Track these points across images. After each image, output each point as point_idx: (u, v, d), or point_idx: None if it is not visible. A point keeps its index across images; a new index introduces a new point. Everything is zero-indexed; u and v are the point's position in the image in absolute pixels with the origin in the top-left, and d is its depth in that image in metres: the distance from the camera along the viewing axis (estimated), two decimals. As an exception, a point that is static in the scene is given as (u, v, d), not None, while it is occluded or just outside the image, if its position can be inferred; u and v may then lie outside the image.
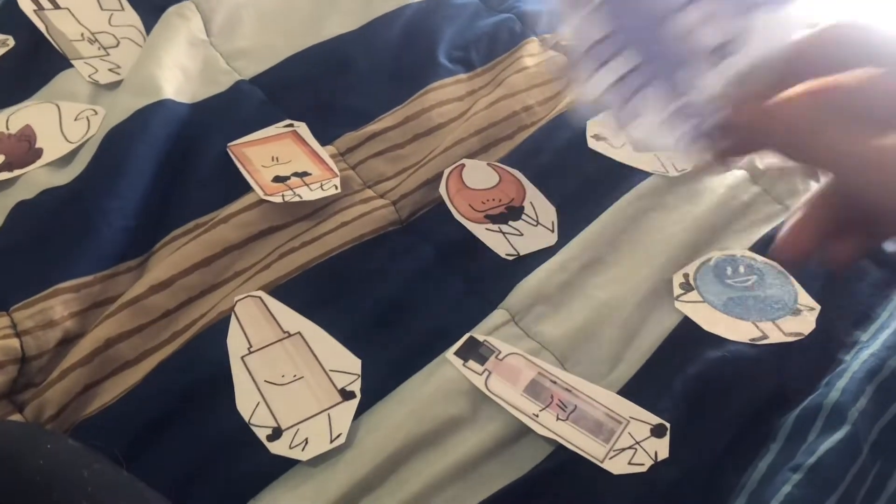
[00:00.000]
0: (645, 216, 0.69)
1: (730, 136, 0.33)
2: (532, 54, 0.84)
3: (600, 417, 0.54)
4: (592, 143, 0.74)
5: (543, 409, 0.54)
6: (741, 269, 0.64)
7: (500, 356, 0.57)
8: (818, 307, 0.61)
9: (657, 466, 0.51)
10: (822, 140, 0.30)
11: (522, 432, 0.53)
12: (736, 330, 0.59)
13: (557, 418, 0.53)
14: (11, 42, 0.76)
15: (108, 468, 0.43)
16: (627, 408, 0.54)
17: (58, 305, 0.56)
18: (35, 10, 0.77)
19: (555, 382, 0.56)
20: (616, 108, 0.34)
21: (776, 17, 0.33)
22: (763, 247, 0.67)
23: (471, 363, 0.56)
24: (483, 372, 0.56)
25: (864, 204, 0.31)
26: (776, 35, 0.33)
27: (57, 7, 0.78)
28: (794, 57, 0.32)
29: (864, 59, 0.31)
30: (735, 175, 0.74)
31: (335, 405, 0.54)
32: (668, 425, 0.53)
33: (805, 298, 0.62)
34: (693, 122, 0.33)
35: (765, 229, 0.70)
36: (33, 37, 0.76)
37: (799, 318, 0.60)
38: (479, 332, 0.59)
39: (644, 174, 0.72)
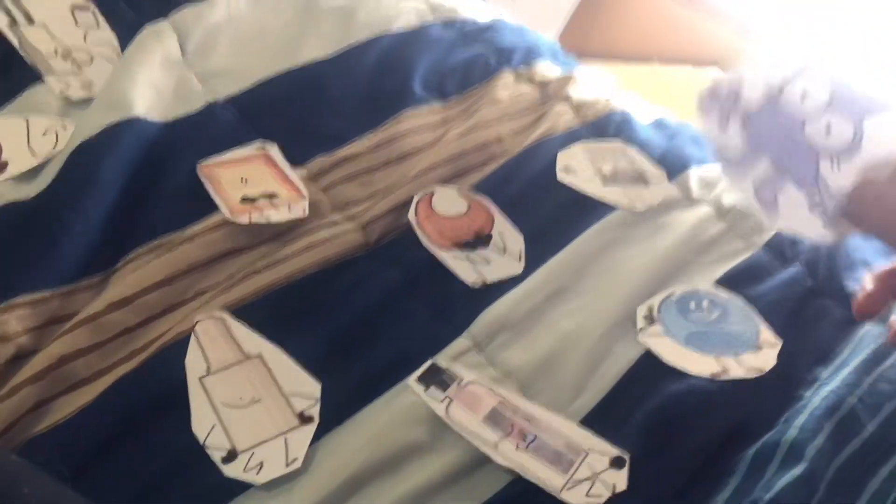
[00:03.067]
0: (611, 249, 0.69)
1: (851, 217, 0.38)
2: (506, 86, 0.85)
3: (560, 448, 0.53)
4: (562, 176, 0.75)
5: (503, 438, 0.53)
6: (704, 304, 0.65)
7: (462, 384, 0.57)
8: (780, 343, 0.62)
9: (615, 499, 0.51)
10: None
11: (481, 461, 0.53)
12: (697, 364, 0.59)
13: (517, 448, 0.53)
14: (-17, 56, 0.75)
15: (52, 485, 0.42)
16: (587, 439, 0.54)
17: (13, 320, 0.55)
18: (9, 24, 0.77)
19: (515, 412, 0.55)
20: (764, 209, 0.40)
21: (885, 120, 0.38)
22: (728, 282, 0.67)
23: (432, 390, 0.56)
24: (444, 399, 0.55)
25: None
26: (888, 136, 0.38)
27: (31, 22, 0.78)
28: None
29: None
30: (701, 211, 0.75)
31: (292, 429, 0.53)
32: (626, 457, 0.53)
33: (767, 334, 0.63)
34: (829, 211, 0.39)
35: (730, 265, 0.70)
36: (5, 51, 0.76)
37: (760, 354, 0.61)
38: (442, 359, 0.58)
39: (611, 208, 0.72)
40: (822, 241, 0.73)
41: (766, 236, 0.74)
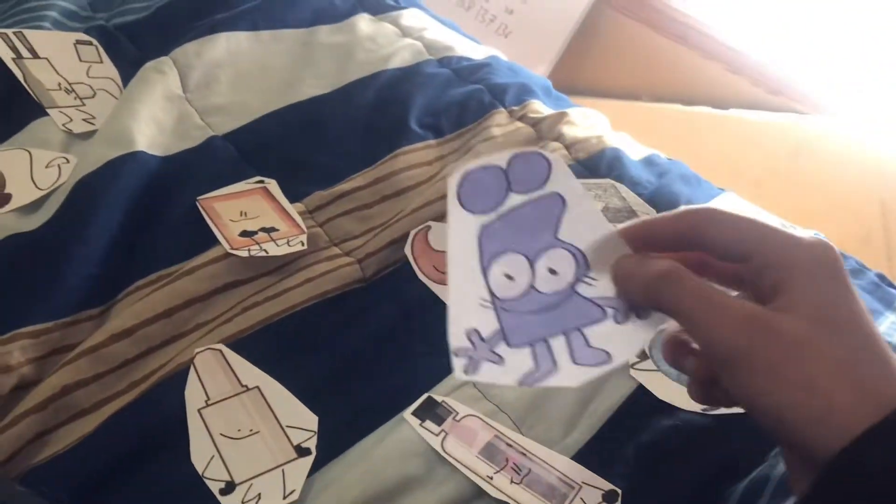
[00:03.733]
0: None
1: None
2: (500, 124, 0.87)
3: (553, 482, 0.54)
4: (555, 212, 0.76)
5: (498, 471, 0.54)
6: (695, 340, 0.66)
7: (458, 417, 0.58)
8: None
9: (608, 532, 0.52)
10: (672, 291, 0.34)
11: (476, 494, 0.53)
12: (688, 399, 0.60)
13: (511, 481, 0.54)
14: (-13, 89, 0.77)
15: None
16: (580, 473, 0.55)
17: (16, 351, 0.55)
18: (13, 59, 0.78)
19: (510, 445, 0.56)
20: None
21: (572, 217, 0.38)
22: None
23: (428, 423, 0.57)
24: (440, 433, 0.56)
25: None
26: (587, 226, 0.38)
27: (36, 56, 0.79)
28: (649, 234, 0.37)
29: (707, 245, 0.35)
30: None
31: (290, 461, 0.54)
32: (619, 491, 0.54)
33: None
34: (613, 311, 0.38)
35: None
36: (9, 85, 0.77)
37: (749, 390, 0.62)
38: (437, 393, 0.59)
39: (604, 244, 0.74)
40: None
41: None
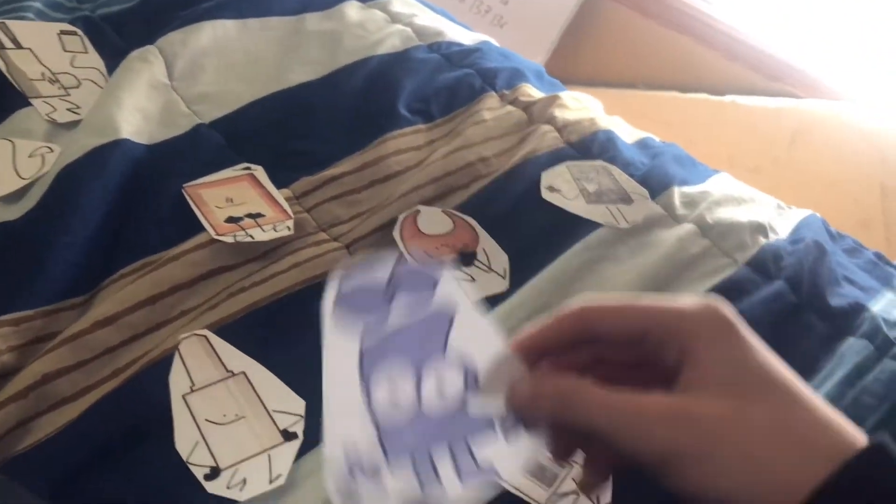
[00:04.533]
0: (595, 266, 0.70)
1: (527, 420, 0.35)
2: (490, 108, 0.86)
3: (544, 461, 0.53)
4: (546, 195, 0.76)
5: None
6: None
7: (447, 399, 0.57)
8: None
9: (599, 512, 0.51)
10: (581, 409, 0.32)
11: (466, 476, 0.53)
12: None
13: (501, 462, 0.53)
14: (-30, 80, 0.76)
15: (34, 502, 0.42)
16: (572, 453, 0.54)
17: (-4, 339, 0.55)
18: (-3, 49, 0.77)
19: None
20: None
21: (462, 324, 0.36)
22: (710, 298, 0.68)
23: (416, 406, 0.56)
24: (428, 415, 0.55)
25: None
26: (478, 337, 0.36)
27: (19, 47, 0.78)
28: (539, 344, 0.35)
29: (599, 337, 0.34)
30: (684, 229, 0.75)
31: (276, 446, 0.53)
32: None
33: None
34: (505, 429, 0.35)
35: (713, 281, 0.71)
36: (-8, 75, 0.76)
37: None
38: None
39: (595, 225, 0.73)
40: (804, 257, 0.74)
41: (750, 253, 0.75)
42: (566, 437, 0.35)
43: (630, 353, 0.34)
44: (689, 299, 0.33)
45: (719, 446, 0.29)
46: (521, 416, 0.35)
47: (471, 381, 0.36)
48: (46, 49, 0.80)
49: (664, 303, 0.32)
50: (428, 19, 1.01)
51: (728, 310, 0.32)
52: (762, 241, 0.77)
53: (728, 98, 1.64)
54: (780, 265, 0.74)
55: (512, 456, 0.35)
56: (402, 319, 0.36)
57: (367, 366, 0.36)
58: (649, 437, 0.30)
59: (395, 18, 0.98)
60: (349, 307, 0.36)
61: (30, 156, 0.69)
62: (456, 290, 0.37)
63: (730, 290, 0.70)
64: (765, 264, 0.74)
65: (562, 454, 0.36)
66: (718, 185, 0.86)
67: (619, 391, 0.32)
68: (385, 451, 0.35)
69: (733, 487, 0.29)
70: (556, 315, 0.35)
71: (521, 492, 0.51)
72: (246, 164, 0.73)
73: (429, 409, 0.36)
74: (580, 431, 0.32)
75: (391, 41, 0.92)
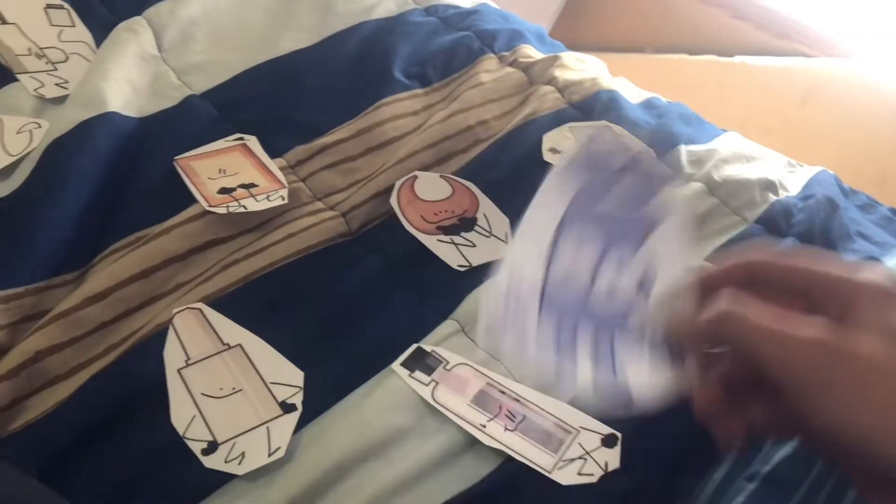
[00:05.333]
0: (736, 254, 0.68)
1: (679, 353, 0.36)
2: (489, 70, 0.84)
3: (549, 428, 0.52)
4: (548, 157, 0.74)
5: (491, 419, 0.52)
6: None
7: (448, 367, 0.55)
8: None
9: (608, 477, 0.50)
10: (736, 326, 0.32)
11: (470, 443, 0.51)
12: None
13: (505, 429, 0.51)
14: (-45, 57, 0.75)
15: (27, 483, 0.41)
16: (578, 418, 0.53)
17: (-15, 317, 0.54)
18: (-18, 26, 0.76)
19: (503, 392, 0.54)
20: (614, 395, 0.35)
21: (664, 232, 0.37)
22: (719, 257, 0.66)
23: (417, 374, 0.55)
24: (430, 383, 0.54)
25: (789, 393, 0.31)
26: (673, 252, 0.37)
27: (4, 22, 0.77)
28: (709, 283, 0.35)
29: (766, 291, 0.34)
30: (692, 187, 0.73)
31: (275, 418, 0.52)
32: (619, 435, 0.52)
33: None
34: (653, 354, 0.36)
35: (723, 239, 0.69)
36: (-22, 52, 0.75)
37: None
38: (427, 343, 0.57)
39: (599, 185, 0.71)
40: (815, 212, 0.71)
41: (760, 210, 0.73)
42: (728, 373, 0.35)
43: (789, 302, 0.35)
44: (853, 265, 0.33)
45: (869, 385, 0.30)
46: (683, 336, 0.35)
47: (646, 287, 0.37)
48: (33, 23, 0.78)
49: (831, 267, 0.33)
50: (424, -18, 0.98)
51: (890, 279, 0.32)
52: (772, 198, 0.75)
53: (737, 59, 1.61)
54: (790, 222, 0.72)
55: (648, 381, 0.35)
56: (616, 204, 0.37)
57: (566, 223, 0.37)
58: (802, 359, 0.30)
59: (389, -18, 0.96)
60: (577, 172, 0.37)
61: (18, 132, 0.67)
62: (674, 202, 0.37)
63: (739, 247, 0.68)
64: (775, 221, 0.72)
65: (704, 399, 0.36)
66: (726, 143, 0.83)
67: (779, 314, 0.32)
68: (542, 300, 0.36)
69: (873, 428, 0.29)
70: (727, 262, 0.35)
71: (528, 459, 0.49)
72: (239, 135, 0.71)
73: (597, 290, 0.37)
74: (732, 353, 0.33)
75: (386, 5, 0.90)
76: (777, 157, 0.86)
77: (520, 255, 0.37)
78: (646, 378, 0.35)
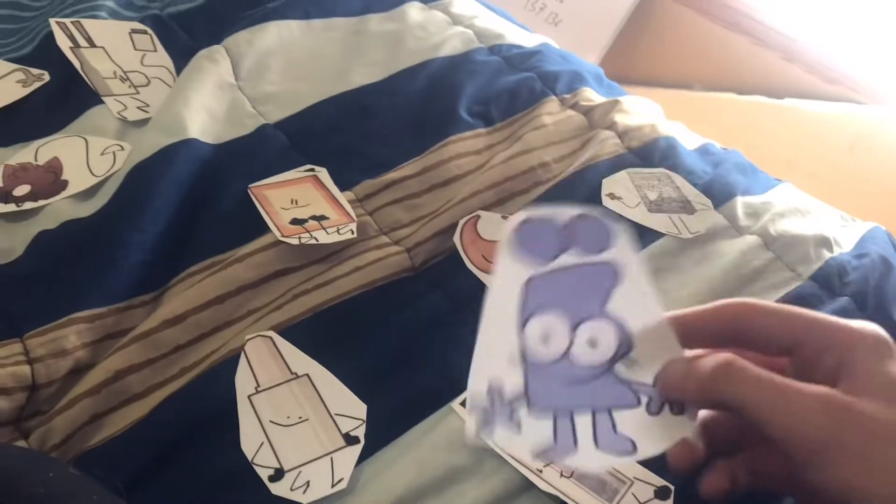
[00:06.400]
0: (657, 277, 0.69)
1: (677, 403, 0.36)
2: (551, 112, 0.86)
3: (604, 476, 0.53)
4: (607, 202, 0.75)
5: (548, 464, 0.53)
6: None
7: (507, 409, 0.57)
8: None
9: (660, 529, 0.51)
10: (736, 384, 0.32)
11: (525, 487, 0.53)
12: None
13: (561, 474, 0.53)
14: (46, 77, 0.78)
15: (109, 498, 0.43)
16: (632, 468, 0.54)
17: (71, 335, 0.56)
18: (71, 48, 0.79)
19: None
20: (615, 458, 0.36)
21: (624, 290, 0.37)
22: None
23: (477, 414, 0.56)
24: (488, 424, 0.56)
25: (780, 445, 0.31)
26: (638, 304, 0.37)
27: (92, 45, 0.80)
28: (692, 327, 0.36)
29: (752, 337, 0.34)
30: (748, 241, 0.74)
31: (338, 449, 0.54)
32: (672, 487, 0.53)
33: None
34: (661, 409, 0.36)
35: (777, 295, 0.70)
36: (67, 73, 0.78)
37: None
38: (486, 384, 0.59)
39: (657, 235, 0.72)
40: (870, 272, 0.72)
41: (814, 267, 0.73)
42: (711, 425, 0.36)
43: (770, 363, 0.35)
44: (843, 320, 0.33)
45: (880, 448, 0.29)
46: (671, 395, 0.35)
47: (624, 346, 0.37)
48: (118, 47, 0.82)
49: (824, 317, 0.33)
50: (489, 21, 1.01)
51: (887, 335, 0.32)
52: (827, 254, 0.75)
53: (786, 101, 1.61)
54: (844, 280, 0.73)
55: (653, 433, 0.36)
56: (570, 263, 0.37)
57: (527, 301, 0.37)
58: (810, 422, 0.30)
59: (456, 20, 0.98)
60: (526, 241, 0.37)
61: (102, 153, 0.71)
62: (630, 251, 0.37)
63: (794, 304, 0.69)
64: (829, 279, 0.73)
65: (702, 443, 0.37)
66: (782, 195, 0.84)
67: (776, 375, 0.32)
68: (528, 397, 0.36)
69: (884, 493, 0.29)
70: (715, 304, 0.35)
71: (581, 506, 0.51)
72: (310, 166, 0.74)
73: (578, 365, 0.37)
74: (728, 412, 0.33)
75: (452, 43, 0.93)
76: (831, 211, 0.86)
77: (491, 363, 0.37)
78: (648, 428, 0.36)
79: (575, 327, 0.37)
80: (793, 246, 0.75)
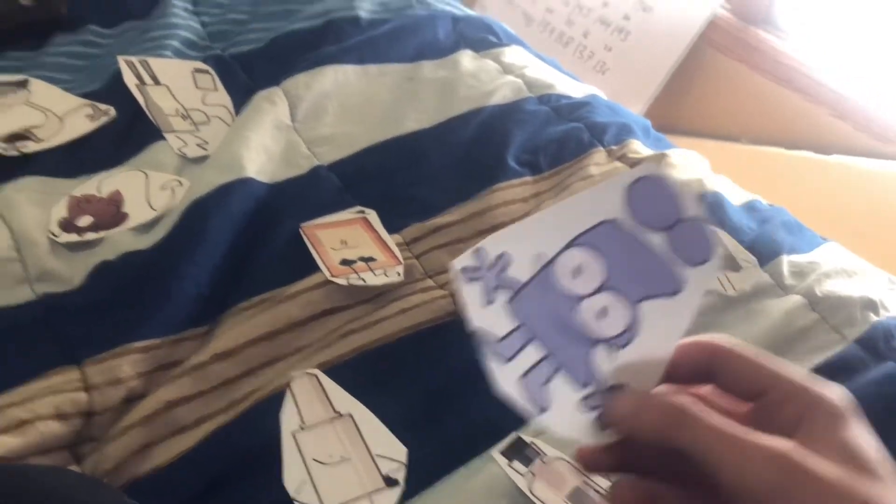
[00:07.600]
0: (702, 334, 0.69)
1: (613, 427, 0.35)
2: (598, 163, 0.87)
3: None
4: (652, 256, 0.75)
5: (585, 517, 0.53)
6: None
7: (546, 459, 0.57)
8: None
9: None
10: (692, 427, 0.32)
11: (562, 539, 0.53)
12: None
13: (598, 528, 0.53)
14: (113, 112, 0.81)
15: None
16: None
17: (126, 365, 0.58)
18: (137, 85, 0.83)
19: (598, 492, 0.55)
20: (529, 401, 0.35)
21: (667, 306, 0.35)
22: (817, 375, 0.66)
23: (516, 464, 0.57)
24: (527, 474, 0.56)
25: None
26: (663, 328, 0.35)
27: (157, 83, 0.84)
28: (673, 363, 0.35)
29: (721, 379, 0.34)
30: (793, 300, 0.74)
31: (378, 490, 0.54)
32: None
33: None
34: (596, 411, 0.35)
35: (821, 357, 0.69)
36: (132, 108, 0.82)
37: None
38: (527, 433, 0.59)
39: (702, 291, 0.72)
40: None
41: (860, 329, 0.73)
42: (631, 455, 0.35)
43: (733, 408, 0.35)
44: (813, 378, 0.33)
45: None
46: (620, 425, 0.34)
47: (622, 340, 0.35)
48: (181, 86, 0.85)
49: (796, 374, 0.33)
50: (539, 71, 1.02)
51: (847, 399, 0.32)
52: (873, 318, 0.75)
53: (834, 157, 1.60)
54: (891, 345, 0.72)
55: (571, 419, 0.35)
56: (647, 247, 0.35)
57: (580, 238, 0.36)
58: (760, 475, 0.30)
59: (507, 69, 1.00)
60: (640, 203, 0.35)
61: (161, 188, 0.73)
62: (707, 279, 0.35)
63: (838, 368, 0.68)
64: (875, 343, 0.72)
65: (603, 467, 0.36)
66: (828, 255, 0.84)
67: (734, 423, 0.32)
68: (515, 296, 0.36)
69: None
70: (690, 338, 0.35)
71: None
72: (360, 208, 0.75)
73: (579, 321, 0.36)
74: (669, 453, 0.32)
75: (503, 92, 0.94)
76: (878, 273, 0.86)
77: None
78: (568, 412, 0.35)
79: (606, 287, 0.35)
80: (838, 308, 0.74)
